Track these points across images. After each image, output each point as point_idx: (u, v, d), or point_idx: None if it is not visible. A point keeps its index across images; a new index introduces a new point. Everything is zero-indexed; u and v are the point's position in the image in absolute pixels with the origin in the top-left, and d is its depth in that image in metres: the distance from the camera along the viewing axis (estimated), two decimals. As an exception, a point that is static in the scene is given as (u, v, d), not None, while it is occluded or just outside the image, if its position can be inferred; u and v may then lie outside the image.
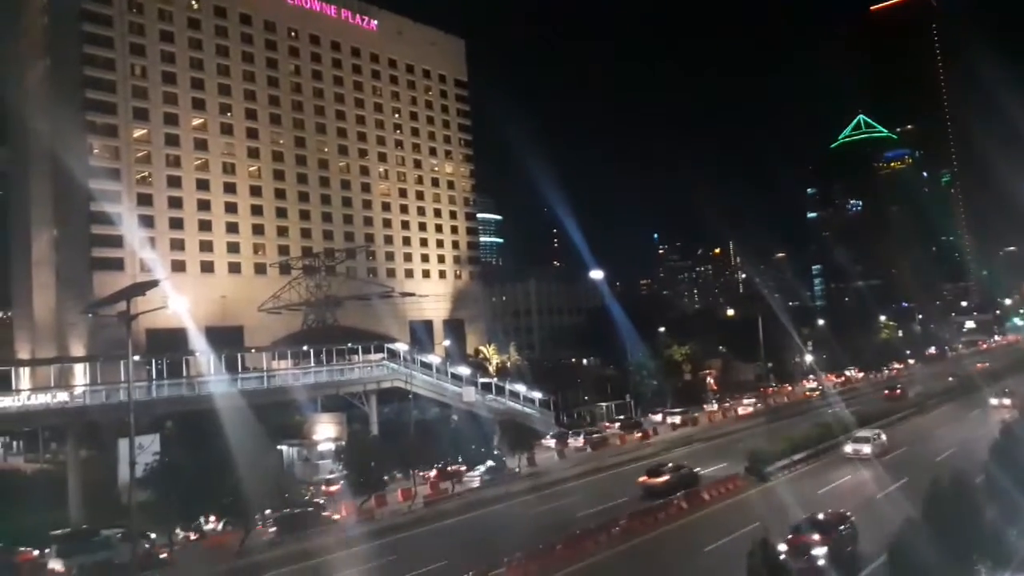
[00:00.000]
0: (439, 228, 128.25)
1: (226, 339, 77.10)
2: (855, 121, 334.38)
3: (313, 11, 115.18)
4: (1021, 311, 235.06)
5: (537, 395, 76.41)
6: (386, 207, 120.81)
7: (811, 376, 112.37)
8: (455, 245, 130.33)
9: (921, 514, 23.35)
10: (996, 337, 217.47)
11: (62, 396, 51.71)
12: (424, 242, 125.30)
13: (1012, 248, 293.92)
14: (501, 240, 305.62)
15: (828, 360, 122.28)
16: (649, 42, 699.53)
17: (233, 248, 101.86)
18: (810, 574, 26.45)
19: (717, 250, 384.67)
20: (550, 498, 47.27)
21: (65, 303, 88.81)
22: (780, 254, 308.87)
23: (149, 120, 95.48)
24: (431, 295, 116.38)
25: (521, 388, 76.37)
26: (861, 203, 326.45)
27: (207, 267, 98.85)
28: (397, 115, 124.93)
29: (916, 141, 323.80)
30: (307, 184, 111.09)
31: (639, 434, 73.08)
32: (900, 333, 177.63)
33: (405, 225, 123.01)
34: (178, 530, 40.81)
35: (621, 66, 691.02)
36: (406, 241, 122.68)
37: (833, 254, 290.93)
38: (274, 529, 41.03)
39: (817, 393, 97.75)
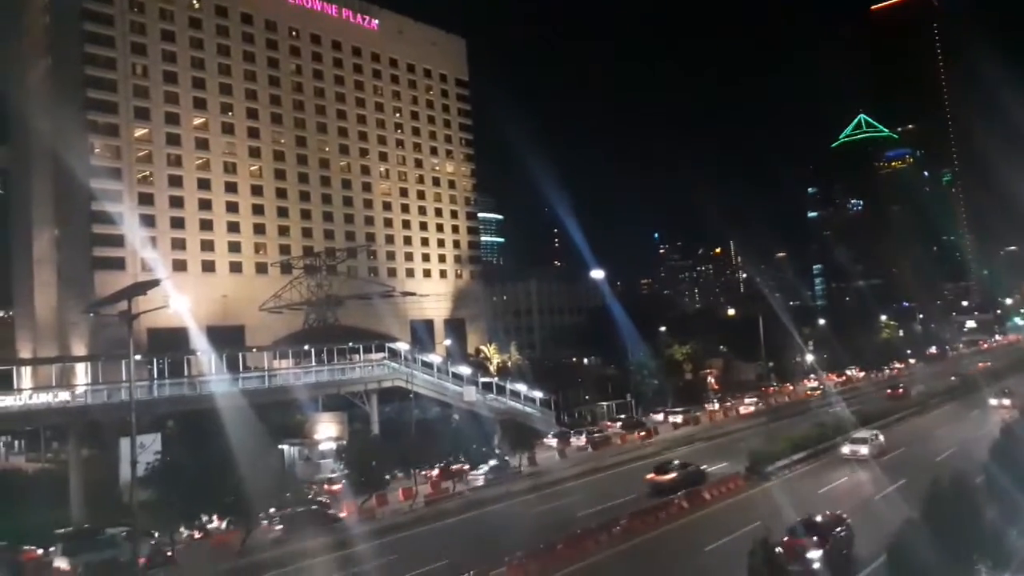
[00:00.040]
0: (440, 227, 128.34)
1: (227, 338, 77.22)
2: (856, 120, 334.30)
3: (314, 10, 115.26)
4: (1022, 311, 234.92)
5: (538, 395, 76.45)
6: (387, 206, 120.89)
7: (812, 376, 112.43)
8: (456, 244, 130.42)
9: (920, 515, 23.33)
10: (997, 337, 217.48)
11: (64, 395, 51.83)
12: (425, 241, 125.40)
13: (1013, 248, 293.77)
14: (502, 240, 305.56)
15: (829, 360, 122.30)
16: (649, 42, 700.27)
17: (234, 247, 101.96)
18: None
19: (718, 250, 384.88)
20: (551, 497, 47.30)
21: (66, 302, 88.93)
22: (781, 253, 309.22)
23: (150, 119, 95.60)
24: (432, 294, 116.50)
25: (522, 388, 76.42)
26: (862, 203, 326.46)
27: (208, 266, 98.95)
28: (398, 114, 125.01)
29: (917, 140, 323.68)
30: (308, 183, 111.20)
31: (643, 432, 73.20)
32: (901, 333, 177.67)
33: (406, 224, 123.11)
34: (182, 529, 40.90)
35: (621, 66, 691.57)
36: (407, 240, 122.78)
37: (834, 253, 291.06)
38: (280, 527, 41.10)
39: (819, 392, 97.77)
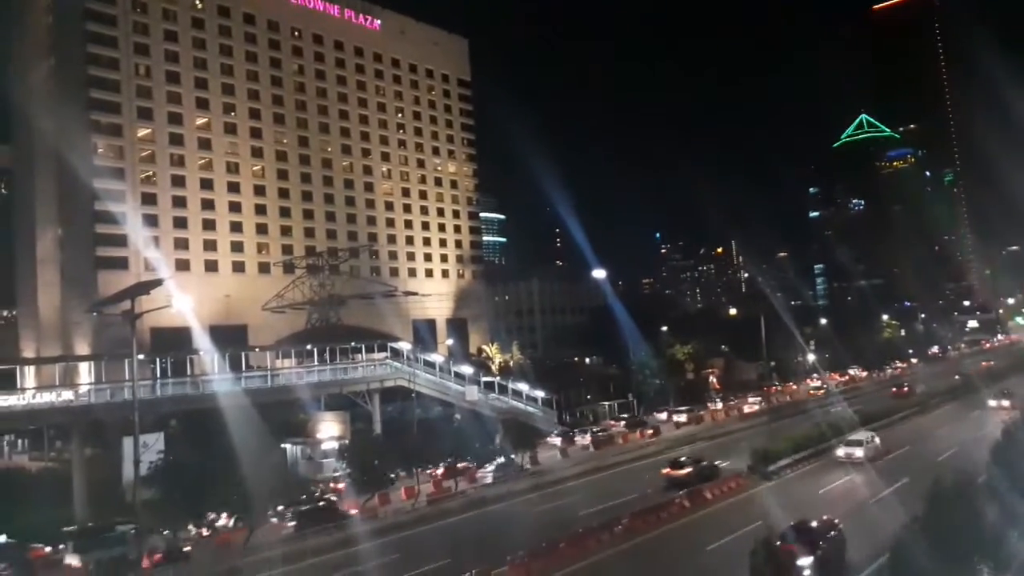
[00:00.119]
0: (442, 227, 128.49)
1: (230, 338, 77.44)
2: (857, 120, 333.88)
3: (316, 10, 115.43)
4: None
5: (540, 394, 76.60)
6: (389, 206, 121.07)
7: (815, 375, 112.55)
8: (458, 244, 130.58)
9: (920, 517, 23.33)
10: (999, 336, 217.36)
11: (67, 394, 51.87)
12: (427, 241, 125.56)
13: (1015, 247, 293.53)
14: (504, 239, 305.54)
15: (830, 359, 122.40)
16: (649, 42, 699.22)
17: (237, 247, 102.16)
18: None
19: (719, 249, 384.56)
20: (553, 496, 47.42)
21: (70, 302, 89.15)
22: (782, 253, 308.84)
23: (153, 119, 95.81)
24: (434, 294, 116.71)
25: (524, 387, 76.57)
26: (863, 202, 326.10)
27: (211, 266, 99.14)
28: (400, 114, 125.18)
29: (919, 140, 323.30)
30: (311, 183, 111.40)
31: (650, 431, 73.71)
32: (903, 332, 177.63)
33: (408, 224, 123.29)
34: (191, 526, 41.12)
35: (622, 66, 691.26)
36: (409, 240, 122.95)
37: (835, 253, 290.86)
38: (293, 523, 41.60)
39: (822, 392, 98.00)
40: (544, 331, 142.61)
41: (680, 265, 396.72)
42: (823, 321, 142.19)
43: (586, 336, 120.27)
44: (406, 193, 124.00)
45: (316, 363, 66.64)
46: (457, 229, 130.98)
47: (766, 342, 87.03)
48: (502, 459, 56.71)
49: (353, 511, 44.62)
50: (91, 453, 54.26)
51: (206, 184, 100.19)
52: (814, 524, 29.24)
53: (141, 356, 53.07)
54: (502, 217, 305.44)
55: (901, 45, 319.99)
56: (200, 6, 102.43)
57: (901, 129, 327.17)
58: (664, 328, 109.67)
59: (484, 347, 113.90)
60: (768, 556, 26.05)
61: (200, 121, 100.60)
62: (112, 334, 70.05)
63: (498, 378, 78.84)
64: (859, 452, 48.80)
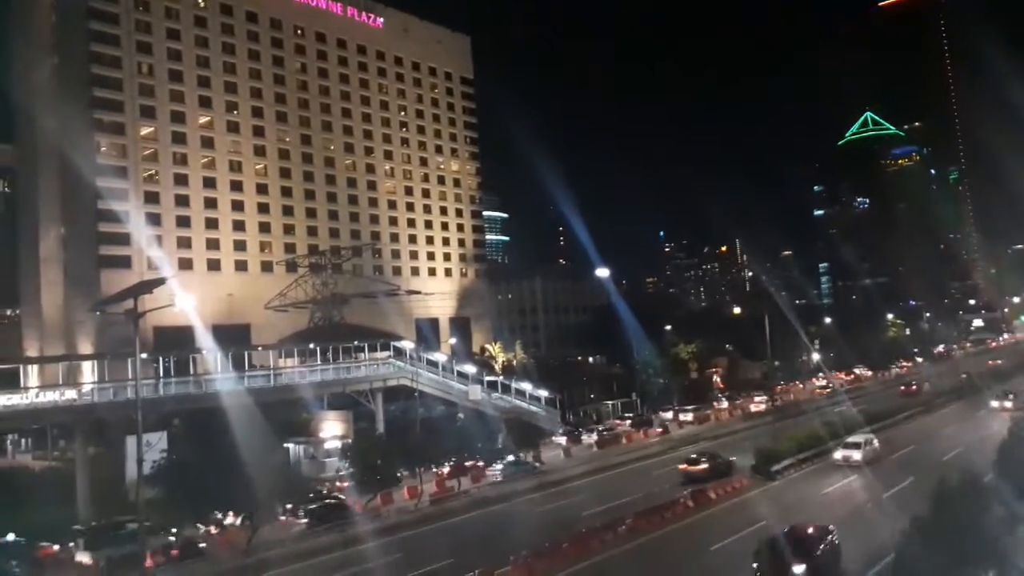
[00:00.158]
0: (445, 226, 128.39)
1: (233, 337, 77.52)
2: (862, 118, 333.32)
3: (319, 9, 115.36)
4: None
5: (543, 393, 76.51)
6: (392, 205, 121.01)
7: (820, 374, 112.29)
8: (461, 243, 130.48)
9: (925, 518, 23.08)
10: (1004, 335, 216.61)
11: (70, 394, 51.92)
12: (430, 240, 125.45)
13: (1020, 246, 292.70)
14: (507, 238, 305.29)
15: (835, 358, 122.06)
16: (649, 42, 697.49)
17: (240, 246, 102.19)
18: None
19: (724, 248, 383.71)
20: (556, 496, 47.28)
21: (73, 300, 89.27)
22: (787, 252, 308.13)
23: (156, 118, 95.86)
24: (437, 293, 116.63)
25: (527, 386, 76.47)
26: (868, 201, 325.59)
27: (214, 265, 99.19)
28: (403, 113, 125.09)
29: (924, 138, 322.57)
30: (313, 182, 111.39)
31: (659, 429, 73.94)
32: (908, 332, 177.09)
33: (411, 223, 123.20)
34: (199, 524, 41.22)
35: (622, 66, 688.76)
36: (412, 239, 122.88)
37: (840, 252, 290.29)
38: (305, 520, 42.10)
39: (828, 391, 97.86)
40: (547, 330, 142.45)
41: (684, 264, 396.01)
42: (828, 320, 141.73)
43: (589, 335, 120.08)
44: (409, 191, 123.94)
45: (319, 362, 66.62)
46: (460, 228, 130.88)
47: (771, 341, 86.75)
48: (511, 457, 56.72)
49: (357, 510, 44.71)
50: (94, 452, 54.28)
51: (209, 183, 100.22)
52: (809, 531, 28.32)
53: (144, 355, 53.07)
54: (505, 215, 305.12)
55: (906, 42, 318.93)
56: (203, 4, 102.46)
57: (906, 127, 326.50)
58: (668, 327, 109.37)
59: (487, 346, 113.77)
60: (772, 557, 25.92)
61: (203, 119, 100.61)
62: (115, 333, 70.06)
63: (501, 377, 78.80)
64: (857, 455, 47.59)
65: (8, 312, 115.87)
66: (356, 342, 72.31)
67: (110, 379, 55.13)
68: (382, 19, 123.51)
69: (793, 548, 26.23)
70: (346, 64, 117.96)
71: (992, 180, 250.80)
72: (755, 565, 26.57)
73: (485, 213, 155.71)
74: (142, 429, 30.28)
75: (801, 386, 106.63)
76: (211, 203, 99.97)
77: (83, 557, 37.14)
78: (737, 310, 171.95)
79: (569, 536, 33.53)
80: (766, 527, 30.89)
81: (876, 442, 50.20)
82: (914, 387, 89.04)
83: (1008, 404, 64.35)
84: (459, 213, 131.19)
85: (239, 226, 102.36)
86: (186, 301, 48.80)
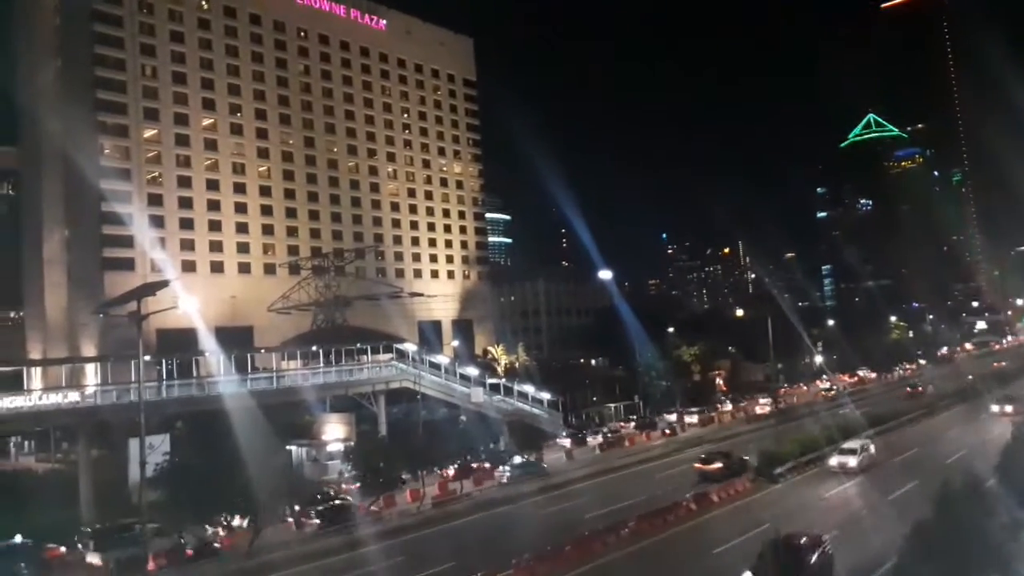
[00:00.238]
0: (448, 228, 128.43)
1: (236, 339, 77.54)
2: (865, 120, 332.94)
3: (322, 11, 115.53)
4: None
5: (545, 396, 76.52)
6: (395, 207, 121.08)
7: (824, 376, 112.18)
8: (463, 245, 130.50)
9: (928, 522, 23.00)
10: (1008, 338, 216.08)
11: (73, 396, 52.05)
12: (433, 242, 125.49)
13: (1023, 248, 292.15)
14: (509, 240, 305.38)
15: (839, 361, 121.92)
16: (649, 42, 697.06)
17: (243, 248, 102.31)
18: None
19: (726, 250, 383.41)
20: (559, 499, 47.27)
21: (76, 303, 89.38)
22: (790, 254, 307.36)
23: (159, 120, 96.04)
24: (440, 295, 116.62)
25: (529, 389, 76.48)
26: (871, 202, 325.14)
27: (217, 267, 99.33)
28: (406, 115, 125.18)
29: (927, 140, 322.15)
30: (316, 184, 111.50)
31: (667, 431, 74.08)
32: (911, 334, 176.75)
33: (414, 225, 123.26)
34: (207, 526, 41.35)
35: (623, 66, 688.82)
36: (415, 241, 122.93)
37: (843, 254, 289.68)
38: (317, 521, 42.64)
39: (831, 393, 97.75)
40: (550, 332, 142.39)
41: (687, 266, 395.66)
42: (831, 322, 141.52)
43: (592, 337, 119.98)
44: (412, 194, 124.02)
45: (321, 364, 66.68)
46: (463, 230, 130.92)
47: (773, 343, 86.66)
48: (518, 459, 56.76)
49: (360, 513, 44.76)
50: (97, 454, 54.43)
51: (212, 185, 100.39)
52: (802, 540, 27.62)
53: (147, 357, 53.13)
54: (507, 218, 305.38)
55: (909, 43, 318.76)
56: (206, 7, 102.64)
57: (909, 128, 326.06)
58: (671, 329, 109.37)
59: (490, 348, 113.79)
60: (775, 559, 25.79)
61: (206, 122, 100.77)
62: (118, 335, 70.11)
63: (504, 380, 78.78)
64: (852, 461, 46.47)
65: (12, 314, 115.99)
66: (359, 344, 72.40)
67: (113, 381, 55.24)
68: (385, 21, 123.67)
69: (785, 558, 25.48)
70: (349, 66, 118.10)
71: (995, 182, 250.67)
72: (758, 567, 26.38)
73: (487, 215, 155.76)
74: (145, 431, 30.39)
75: (804, 388, 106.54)
76: (214, 205, 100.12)
77: (93, 558, 37.62)
78: (740, 312, 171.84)
79: (571, 539, 33.53)
80: (768, 531, 30.80)
81: (872, 447, 49.45)
82: (919, 389, 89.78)
83: (1008, 408, 63.98)
84: (462, 215, 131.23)
85: (242, 228, 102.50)
86: (189, 303, 49.06)
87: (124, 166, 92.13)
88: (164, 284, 35.49)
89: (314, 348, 69.87)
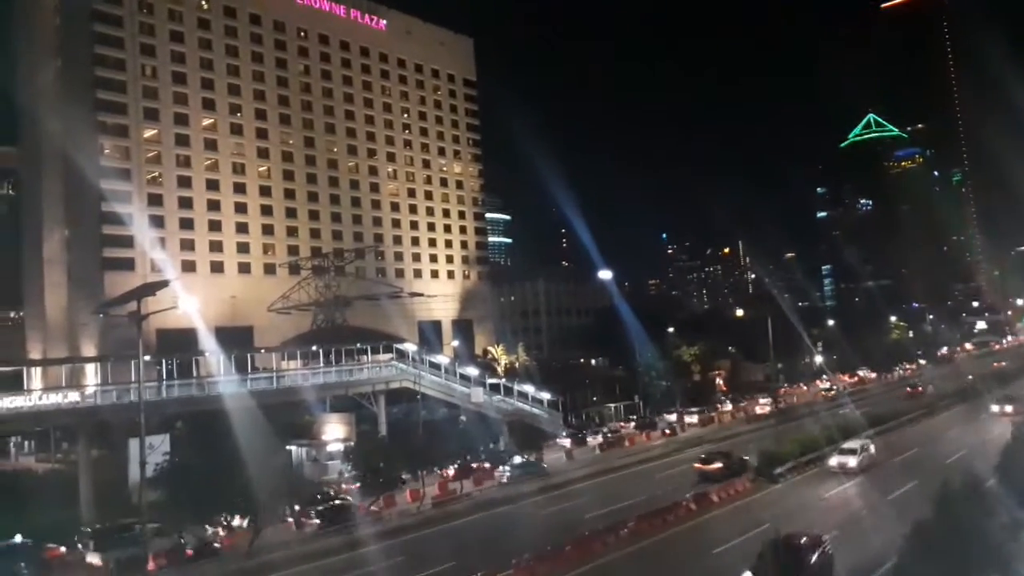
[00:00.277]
0: (448, 228, 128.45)
1: (236, 339, 77.54)
2: (865, 120, 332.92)
3: (322, 11, 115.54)
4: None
5: (545, 396, 76.53)
6: (395, 207, 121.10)
7: (824, 376, 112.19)
8: (463, 245, 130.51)
9: (928, 522, 22.99)
10: (1008, 338, 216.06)
11: (73, 396, 52.05)
12: (433, 242, 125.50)
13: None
14: (509, 240, 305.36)
15: (839, 361, 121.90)
16: (649, 42, 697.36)
17: (243, 248, 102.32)
18: None
19: (726, 250, 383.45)
20: (559, 499, 47.26)
21: (76, 303, 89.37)
22: (790, 254, 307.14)
23: (159, 120, 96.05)
24: (440, 295, 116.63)
25: (529, 389, 76.49)
26: (871, 202, 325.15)
27: (217, 267, 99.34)
28: (406, 115, 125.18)
29: (927, 140, 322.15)
30: (316, 184, 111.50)
31: (667, 431, 73.99)
32: (911, 334, 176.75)
33: (414, 225, 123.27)
34: (208, 526, 41.38)
35: (623, 66, 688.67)
36: (415, 241, 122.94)
37: (843, 254, 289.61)
38: (317, 521, 42.66)
39: (832, 393, 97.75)
40: (550, 332, 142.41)
41: (687, 266, 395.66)
42: (831, 322, 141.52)
43: (592, 337, 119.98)
44: (412, 194, 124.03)
45: (321, 364, 66.69)
46: (463, 230, 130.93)
47: (773, 343, 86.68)
48: (519, 459, 56.75)
49: (360, 513, 44.78)
50: (97, 455, 54.44)
51: (212, 185, 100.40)
52: (802, 540, 27.53)
53: (147, 357, 53.13)
54: (507, 218, 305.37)
55: (909, 44, 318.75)
56: (206, 7, 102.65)
57: (909, 128, 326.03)
58: (671, 329, 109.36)
59: (490, 348, 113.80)
60: (775, 559, 25.77)
61: (206, 122, 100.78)
62: (118, 335, 70.12)
63: (503, 380, 78.79)
64: (852, 462, 46.33)
65: (12, 314, 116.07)
66: (359, 344, 72.41)
67: (113, 381, 55.27)
68: (385, 21, 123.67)
69: (785, 558, 25.39)
70: (349, 66, 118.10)
71: (995, 182, 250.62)
72: (758, 567, 26.36)
73: (487, 215, 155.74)
74: (145, 431, 30.38)
75: (804, 388, 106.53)
76: (214, 205, 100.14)
77: (93, 558, 37.65)
78: (740, 312, 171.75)
79: (571, 539, 33.53)
80: (768, 531, 30.79)
81: (872, 447, 49.37)
82: (920, 389, 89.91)
83: (1008, 408, 64.03)
84: (462, 215, 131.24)
85: (242, 228, 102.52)
86: (189, 303, 49.11)
87: (124, 166, 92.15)
88: (164, 284, 35.51)
89: (314, 348, 69.89)
